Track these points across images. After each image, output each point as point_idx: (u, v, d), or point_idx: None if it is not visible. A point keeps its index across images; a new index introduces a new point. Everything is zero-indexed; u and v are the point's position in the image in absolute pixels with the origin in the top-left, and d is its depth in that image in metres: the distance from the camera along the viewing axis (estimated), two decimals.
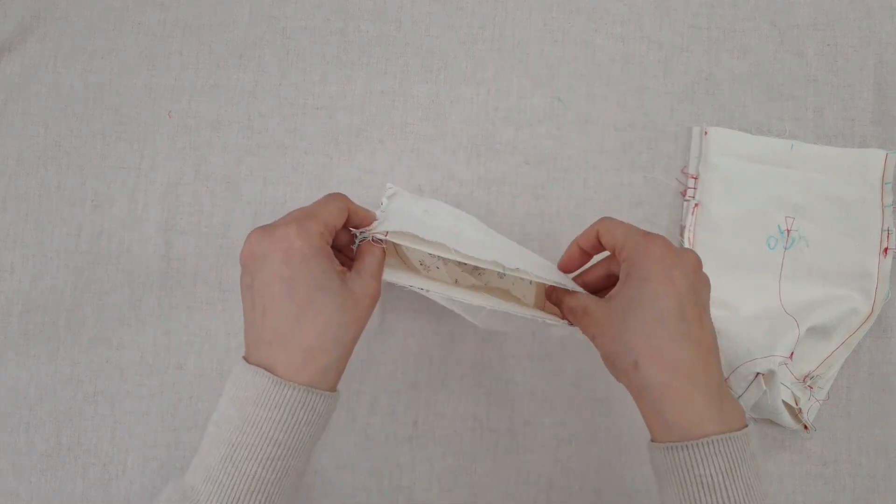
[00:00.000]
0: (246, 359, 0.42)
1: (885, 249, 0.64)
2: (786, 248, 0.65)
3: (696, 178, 0.67)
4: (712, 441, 0.39)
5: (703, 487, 0.38)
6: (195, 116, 0.70)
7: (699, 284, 0.43)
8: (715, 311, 0.60)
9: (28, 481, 0.65)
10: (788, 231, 0.65)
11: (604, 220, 0.48)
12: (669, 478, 0.41)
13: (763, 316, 0.63)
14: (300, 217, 0.43)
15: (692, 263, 0.44)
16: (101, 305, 0.67)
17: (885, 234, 0.64)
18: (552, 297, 0.52)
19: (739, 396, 0.62)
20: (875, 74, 0.69)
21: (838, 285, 0.64)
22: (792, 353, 0.60)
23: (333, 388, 0.42)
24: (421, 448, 0.65)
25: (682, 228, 0.66)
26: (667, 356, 0.40)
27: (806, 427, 0.62)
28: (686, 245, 0.65)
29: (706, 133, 0.67)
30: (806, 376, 0.62)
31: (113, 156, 0.69)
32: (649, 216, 0.67)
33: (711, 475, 0.38)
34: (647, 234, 0.44)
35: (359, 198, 0.65)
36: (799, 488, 0.64)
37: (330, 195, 0.46)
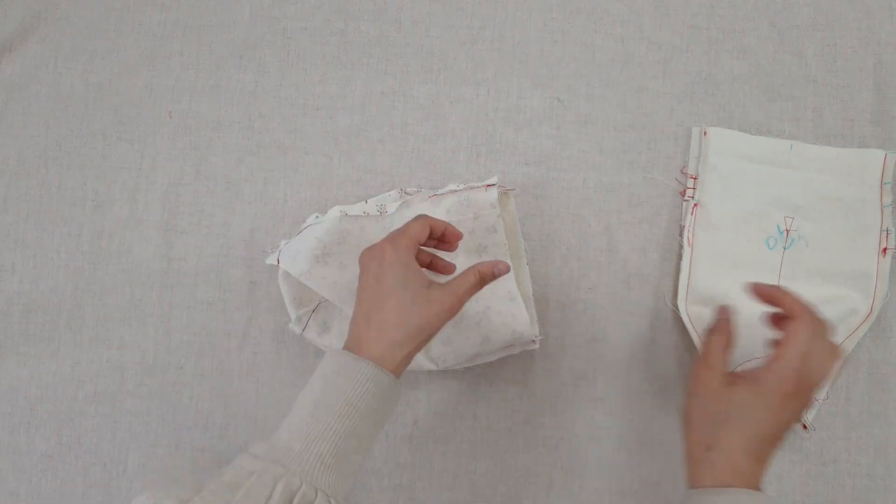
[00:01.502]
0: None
1: (885, 249, 0.64)
2: (785, 248, 0.65)
3: (695, 178, 0.67)
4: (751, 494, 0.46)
5: None
6: (196, 117, 0.70)
7: (793, 423, 0.50)
8: (703, 310, 0.62)
9: (28, 481, 0.65)
10: (787, 231, 0.65)
11: (805, 316, 0.50)
12: None
13: (755, 316, 0.62)
14: (393, 234, 0.53)
15: (804, 404, 0.49)
16: (102, 305, 0.67)
17: (885, 234, 0.64)
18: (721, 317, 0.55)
19: None
20: (874, 75, 0.69)
21: (837, 285, 0.64)
22: None
23: (398, 371, 0.49)
24: (421, 447, 0.65)
25: (682, 228, 0.66)
26: (737, 460, 0.48)
27: (805, 426, 0.62)
28: (685, 245, 0.65)
29: (706, 133, 0.67)
30: None
31: (114, 156, 0.70)
32: (648, 216, 0.67)
33: None
34: (797, 369, 0.48)
35: (359, 198, 0.65)
36: (799, 488, 0.64)
37: (416, 217, 0.55)
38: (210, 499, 0.40)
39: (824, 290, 0.64)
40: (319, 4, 0.71)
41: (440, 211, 0.61)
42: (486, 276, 0.52)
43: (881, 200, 0.64)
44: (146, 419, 0.66)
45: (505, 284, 0.61)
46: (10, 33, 0.71)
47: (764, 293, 0.53)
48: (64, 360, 0.67)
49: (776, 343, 0.50)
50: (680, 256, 0.66)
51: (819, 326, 0.50)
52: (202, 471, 0.65)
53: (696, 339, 0.63)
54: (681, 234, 0.66)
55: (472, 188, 0.62)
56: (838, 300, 0.63)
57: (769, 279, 0.64)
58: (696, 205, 0.66)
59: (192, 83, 0.70)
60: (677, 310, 0.64)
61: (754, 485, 0.47)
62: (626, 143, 0.69)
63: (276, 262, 0.59)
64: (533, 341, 0.63)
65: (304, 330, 0.61)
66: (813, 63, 0.70)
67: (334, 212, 0.62)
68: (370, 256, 0.52)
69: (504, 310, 0.61)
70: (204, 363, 0.66)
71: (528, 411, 0.65)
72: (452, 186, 0.63)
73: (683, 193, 0.67)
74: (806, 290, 0.61)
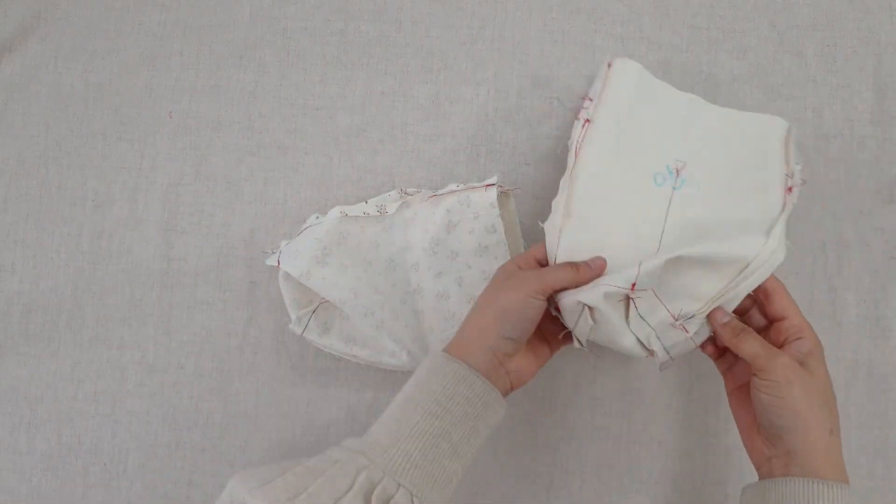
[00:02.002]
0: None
1: (789, 189, 0.57)
2: (675, 188, 0.58)
3: (592, 101, 0.60)
4: (829, 484, 0.45)
5: None
6: (196, 117, 0.70)
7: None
8: (584, 236, 0.55)
9: (28, 481, 0.65)
10: (678, 171, 0.59)
11: (781, 292, 0.53)
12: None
13: (631, 246, 0.55)
14: (539, 272, 0.52)
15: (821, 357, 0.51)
16: (102, 305, 0.67)
17: (788, 178, 0.58)
18: (719, 324, 0.53)
19: (573, 328, 0.54)
20: (874, 75, 0.69)
21: (730, 232, 0.55)
22: (634, 285, 0.51)
23: (496, 377, 0.48)
24: None
25: (568, 147, 0.60)
26: (815, 441, 0.47)
27: (652, 353, 0.54)
28: (570, 162, 0.58)
29: (610, 65, 0.61)
30: (679, 315, 0.53)
31: (114, 156, 0.70)
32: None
33: None
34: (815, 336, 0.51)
35: (359, 198, 0.65)
36: None
37: (564, 264, 0.53)
38: (292, 480, 0.41)
39: (715, 235, 0.55)
40: (319, 4, 0.71)
41: (440, 211, 0.61)
42: (580, 266, 0.52)
43: (785, 160, 0.59)
44: (146, 419, 0.66)
45: None
46: (10, 33, 0.71)
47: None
48: (64, 360, 0.67)
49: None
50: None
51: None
52: (200, 473, 0.65)
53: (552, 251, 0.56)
54: (566, 153, 0.60)
55: (471, 188, 0.62)
56: (729, 237, 0.55)
57: (652, 214, 0.57)
58: (587, 120, 0.58)
59: (192, 83, 0.70)
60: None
61: (840, 468, 0.47)
62: None
63: (276, 264, 0.59)
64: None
65: (304, 330, 0.61)
66: (813, 63, 0.70)
67: (334, 212, 0.62)
68: (502, 284, 0.52)
69: None
70: (204, 363, 0.67)
71: (528, 411, 0.65)
72: (452, 187, 0.63)
73: (578, 114, 0.61)
74: (694, 232, 0.56)
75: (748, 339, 0.50)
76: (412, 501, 0.42)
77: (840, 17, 0.70)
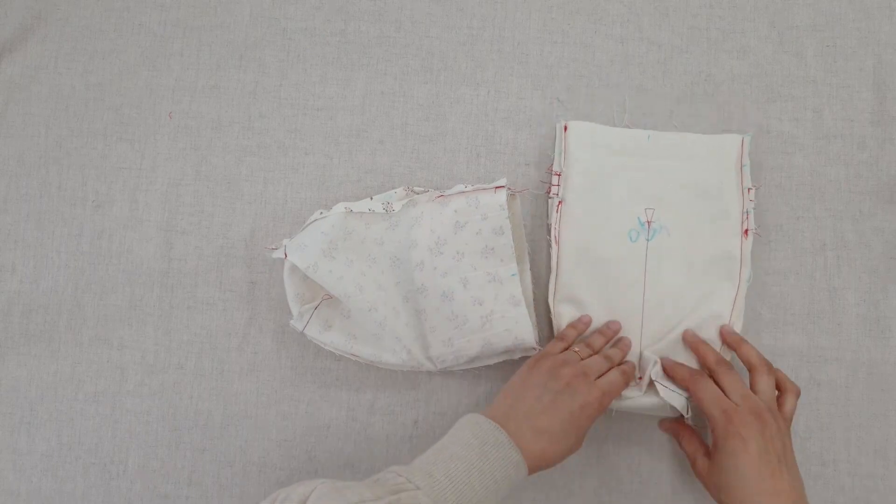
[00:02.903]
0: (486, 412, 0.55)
1: (746, 231, 0.64)
2: (648, 240, 0.64)
3: (559, 175, 0.66)
4: None
5: None
6: (196, 117, 0.70)
7: (774, 443, 0.54)
8: (568, 309, 0.64)
9: (28, 481, 0.65)
10: (649, 223, 0.64)
11: (696, 379, 0.58)
12: None
13: (619, 317, 0.64)
14: (606, 384, 0.57)
15: (768, 428, 0.54)
16: (102, 305, 0.67)
17: (745, 215, 0.64)
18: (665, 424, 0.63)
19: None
20: (874, 75, 0.69)
21: (703, 272, 0.64)
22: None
23: (530, 467, 0.52)
24: (421, 448, 0.65)
25: (549, 227, 0.65)
26: None
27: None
28: (553, 244, 0.65)
29: (566, 128, 0.66)
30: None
31: (114, 156, 0.70)
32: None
33: None
34: (727, 410, 0.55)
35: (359, 198, 0.65)
36: None
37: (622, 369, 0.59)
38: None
39: (690, 277, 0.64)
40: (319, 5, 0.71)
41: (448, 211, 0.61)
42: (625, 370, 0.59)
43: (741, 183, 0.65)
44: (146, 419, 0.66)
45: (509, 289, 0.61)
46: (11, 34, 0.72)
47: (728, 339, 0.62)
48: (64, 360, 0.67)
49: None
50: (549, 256, 0.65)
51: (760, 371, 0.58)
52: (200, 473, 0.65)
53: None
54: (548, 233, 0.65)
55: (480, 189, 0.62)
56: (705, 297, 0.63)
57: (635, 273, 0.64)
58: (560, 202, 0.65)
59: (192, 83, 0.70)
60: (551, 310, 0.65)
61: None
62: None
63: (283, 256, 0.60)
64: (533, 347, 0.63)
65: (305, 327, 0.61)
66: (813, 63, 0.70)
67: (339, 208, 0.62)
68: (573, 386, 0.55)
69: (508, 315, 0.61)
70: (204, 363, 0.67)
71: None
72: (461, 187, 0.63)
73: (549, 191, 0.66)
74: (671, 280, 0.63)
75: (684, 441, 0.60)
76: None
77: (840, 18, 0.70)
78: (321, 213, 0.62)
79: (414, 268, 0.62)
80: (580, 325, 0.63)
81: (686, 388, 0.59)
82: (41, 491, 0.65)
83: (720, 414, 0.55)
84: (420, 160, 0.69)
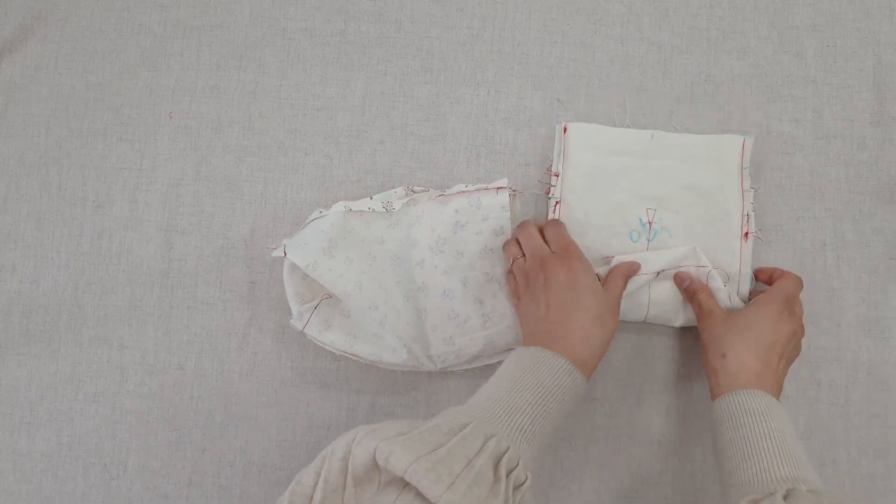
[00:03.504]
0: (525, 343, 0.56)
1: (746, 234, 0.64)
2: (649, 241, 0.64)
3: (558, 176, 0.65)
4: (759, 392, 0.53)
5: (747, 415, 0.52)
6: (196, 117, 0.70)
7: (791, 340, 0.58)
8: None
9: (28, 481, 0.65)
10: (650, 223, 0.64)
11: (789, 278, 0.61)
12: (723, 416, 0.53)
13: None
14: (575, 251, 0.58)
15: (794, 330, 0.58)
16: (102, 305, 0.67)
17: (745, 218, 0.64)
18: (686, 286, 0.63)
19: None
20: (874, 75, 0.69)
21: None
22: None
23: (588, 372, 0.54)
24: None
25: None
26: (748, 361, 0.55)
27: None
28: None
29: (565, 130, 0.66)
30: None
31: (114, 156, 0.70)
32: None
33: (754, 408, 0.52)
34: (787, 274, 0.61)
35: (358, 198, 0.65)
36: None
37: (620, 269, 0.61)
38: (428, 436, 0.42)
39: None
40: (320, 5, 0.71)
41: (448, 210, 0.61)
42: (629, 276, 0.61)
43: (741, 186, 0.65)
44: (146, 419, 0.66)
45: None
46: (11, 34, 0.72)
47: (765, 275, 0.63)
48: (64, 360, 0.67)
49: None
50: None
51: (799, 284, 0.60)
52: (200, 473, 0.65)
53: None
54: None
55: (482, 190, 0.62)
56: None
57: (637, 279, 0.63)
58: (557, 202, 0.65)
59: (192, 83, 0.70)
60: None
61: (765, 387, 0.54)
62: None
63: (283, 254, 0.60)
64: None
65: (305, 326, 0.61)
66: (813, 63, 0.70)
67: (339, 207, 0.62)
68: (556, 265, 0.57)
69: (508, 313, 0.62)
70: (204, 363, 0.67)
71: None
72: (461, 187, 0.63)
73: (548, 192, 0.66)
74: (673, 280, 0.63)
75: (696, 298, 0.62)
76: (527, 474, 0.46)
77: (840, 18, 0.70)
78: (321, 211, 0.62)
79: (414, 266, 0.62)
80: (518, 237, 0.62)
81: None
82: (41, 491, 0.65)
83: (783, 293, 0.58)
84: (420, 160, 0.69)
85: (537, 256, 0.58)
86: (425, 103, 0.70)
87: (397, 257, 0.63)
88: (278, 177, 0.69)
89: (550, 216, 0.65)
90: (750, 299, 0.63)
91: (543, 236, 0.60)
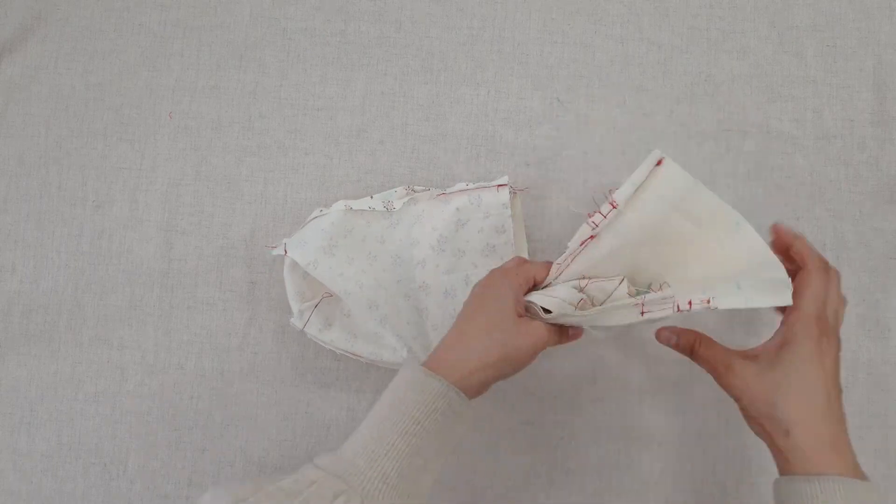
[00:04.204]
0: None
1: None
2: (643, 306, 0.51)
3: (615, 207, 0.51)
4: (839, 480, 0.44)
5: None
6: (196, 117, 0.70)
7: (839, 367, 0.49)
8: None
9: (29, 481, 0.65)
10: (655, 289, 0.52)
11: (815, 264, 0.50)
12: None
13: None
14: (511, 265, 0.53)
15: (837, 348, 0.49)
16: (102, 305, 0.67)
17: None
18: (674, 343, 0.54)
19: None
20: (874, 75, 0.69)
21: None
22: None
23: (471, 394, 0.48)
24: None
25: (567, 248, 0.54)
26: (817, 430, 0.46)
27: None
28: (553, 273, 0.54)
29: (660, 162, 0.50)
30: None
31: (114, 156, 0.70)
32: None
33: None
34: (821, 316, 0.48)
35: (359, 199, 0.65)
36: None
37: (545, 261, 0.54)
38: (265, 501, 0.40)
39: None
40: (320, 5, 0.71)
41: (449, 209, 0.61)
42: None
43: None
44: (146, 419, 0.66)
45: None
46: (11, 34, 0.72)
47: (781, 235, 0.52)
48: (64, 360, 0.67)
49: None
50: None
51: (830, 274, 0.50)
52: (200, 473, 0.65)
53: None
54: (560, 255, 0.54)
55: (482, 188, 0.62)
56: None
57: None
58: (592, 237, 0.52)
59: (192, 83, 0.70)
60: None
61: (843, 457, 0.46)
62: (626, 144, 0.69)
63: (283, 252, 0.60)
64: None
65: (305, 325, 0.61)
66: (813, 63, 0.70)
67: (339, 205, 0.62)
68: (480, 281, 0.53)
69: None
70: (204, 363, 0.67)
71: (528, 411, 0.65)
72: (461, 185, 0.63)
73: (591, 216, 0.52)
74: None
75: (699, 355, 0.52)
76: None
77: (840, 18, 0.70)
78: (321, 210, 0.63)
79: (415, 266, 0.62)
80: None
81: (797, 269, 0.50)
82: (41, 491, 0.65)
83: (814, 315, 0.48)
84: (420, 160, 0.69)
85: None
86: (425, 103, 0.70)
87: (398, 256, 0.63)
88: (278, 177, 0.69)
89: (573, 242, 0.53)
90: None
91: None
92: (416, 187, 0.66)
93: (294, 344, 0.66)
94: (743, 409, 0.50)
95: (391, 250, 0.63)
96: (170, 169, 0.69)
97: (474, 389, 0.48)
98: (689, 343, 0.53)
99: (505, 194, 0.61)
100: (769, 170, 0.68)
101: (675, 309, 0.49)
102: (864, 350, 0.65)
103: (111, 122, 0.70)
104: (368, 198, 0.64)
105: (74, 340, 0.67)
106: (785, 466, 0.47)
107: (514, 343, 0.49)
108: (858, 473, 0.46)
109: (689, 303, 0.49)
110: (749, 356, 0.50)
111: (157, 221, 0.68)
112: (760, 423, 0.48)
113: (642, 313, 0.51)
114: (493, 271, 0.54)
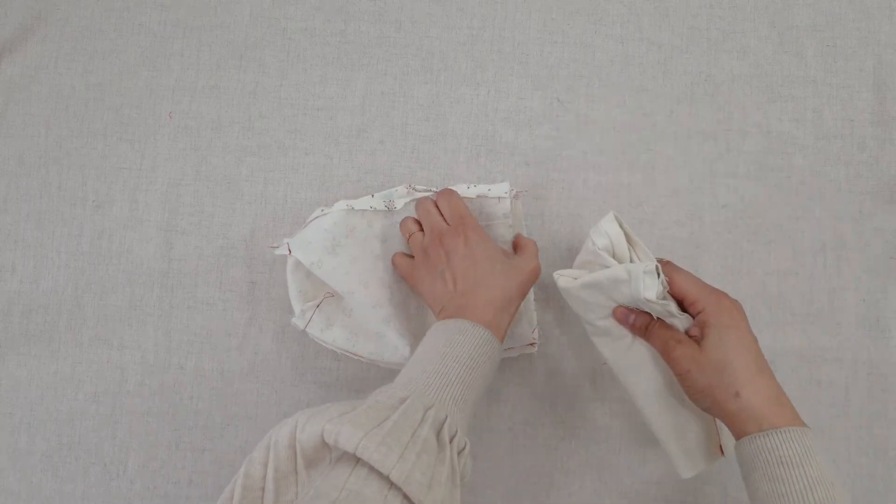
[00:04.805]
0: (439, 318, 0.56)
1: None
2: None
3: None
4: (791, 430, 0.48)
5: (783, 466, 0.47)
6: (196, 117, 0.70)
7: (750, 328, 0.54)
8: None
9: (28, 481, 0.65)
10: None
11: (671, 270, 0.55)
12: (755, 462, 0.49)
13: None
14: (467, 221, 0.59)
15: (745, 315, 0.54)
16: (102, 305, 0.67)
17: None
18: (631, 322, 0.58)
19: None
20: (874, 75, 0.69)
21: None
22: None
23: (501, 337, 0.55)
24: None
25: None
26: (762, 387, 0.51)
27: (722, 453, 0.58)
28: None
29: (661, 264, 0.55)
30: None
31: (114, 156, 0.70)
32: (648, 216, 0.68)
33: (790, 456, 0.47)
34: (714, 290, 0.54)
35: (359, 198, 0.65)
36: None
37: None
38: (371, 413, 0.43)
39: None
40: (319, 5, 0.71)
41: None
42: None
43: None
44: (146, 419, 0.66)
45: None
46: (11, 34, 0.71)
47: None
48: (64, 360, 0.67)
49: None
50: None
51: (685, 273, 0.55)
52: (200, 473, 0.65)
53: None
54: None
55: (484, 198, 0.63)
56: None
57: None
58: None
59: (192, 83, 0.70)
60: None
61: (786, 412, 0.50)
62: (626, 144, 0.69)
63: (287, 252, 0.60)
64: (531, 344, 0.63)
65: (307, 325, 0.61)
66: (813, 63, 0.70)
67: (340, 205, 0.62)
68: (453, 239, 0.58)
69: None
70: (204, 363, 0.67)
71: (528, 411, 0.65)
72: (462, 187, 0.63)
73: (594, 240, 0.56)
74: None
75: (654, 333, 0.56)
76: (466, 440, 0.47)
77: (840, 18, 0.70)
78: (322, 210, 0.63)
79: None
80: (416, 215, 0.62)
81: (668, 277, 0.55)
82: (41, 491, 0.65)
83: (709, 293, 0.53)
84: (420, 160, 0.69)
85: (435, 232, 0.59)
86: (425, 103, 0.70)
87: None
88: (278, 177, 0.69)
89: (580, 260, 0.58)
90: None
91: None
92: (417, 186, 0.66)
93: (294, 344, 0.66)
94: (691, 384, 0.53)
95: (393, 250, 0.63)
96: (170, 169, 0.69)
97: (503, 330, 0.55)
98: (644, 323, 0.57)
99: (506, 204, 0.62)
100: (769, 170, 0.68)
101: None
102: (864, 350, 0.65)
103: (111, 122, 0.70)
104: (369, 196, 0.64)
105: (74, 340, 0.67)
106: (741, 428, 0.51)
107: (520, 280, 0.57)
108: (802, 422, 0.50)
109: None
110: (692, 334, 0.55)
111: (157, 221, 0.68)
112: (711, 391, 0.52)
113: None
114: (460, 230, 0.58)
